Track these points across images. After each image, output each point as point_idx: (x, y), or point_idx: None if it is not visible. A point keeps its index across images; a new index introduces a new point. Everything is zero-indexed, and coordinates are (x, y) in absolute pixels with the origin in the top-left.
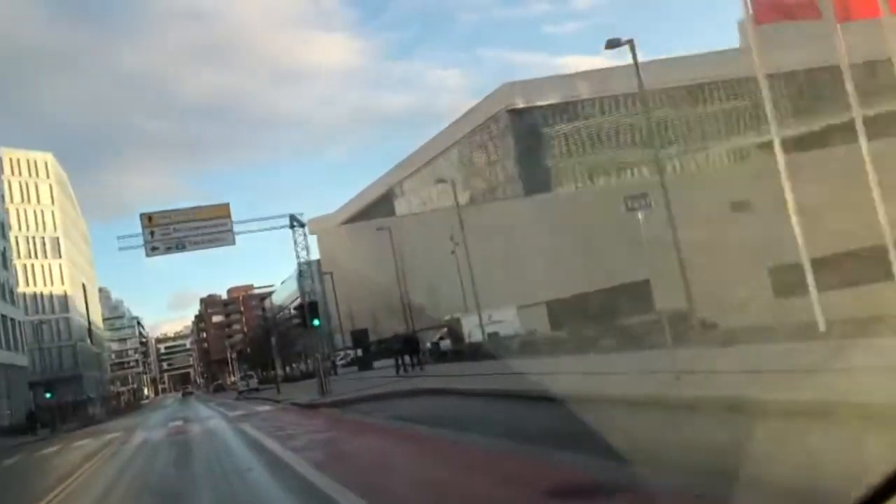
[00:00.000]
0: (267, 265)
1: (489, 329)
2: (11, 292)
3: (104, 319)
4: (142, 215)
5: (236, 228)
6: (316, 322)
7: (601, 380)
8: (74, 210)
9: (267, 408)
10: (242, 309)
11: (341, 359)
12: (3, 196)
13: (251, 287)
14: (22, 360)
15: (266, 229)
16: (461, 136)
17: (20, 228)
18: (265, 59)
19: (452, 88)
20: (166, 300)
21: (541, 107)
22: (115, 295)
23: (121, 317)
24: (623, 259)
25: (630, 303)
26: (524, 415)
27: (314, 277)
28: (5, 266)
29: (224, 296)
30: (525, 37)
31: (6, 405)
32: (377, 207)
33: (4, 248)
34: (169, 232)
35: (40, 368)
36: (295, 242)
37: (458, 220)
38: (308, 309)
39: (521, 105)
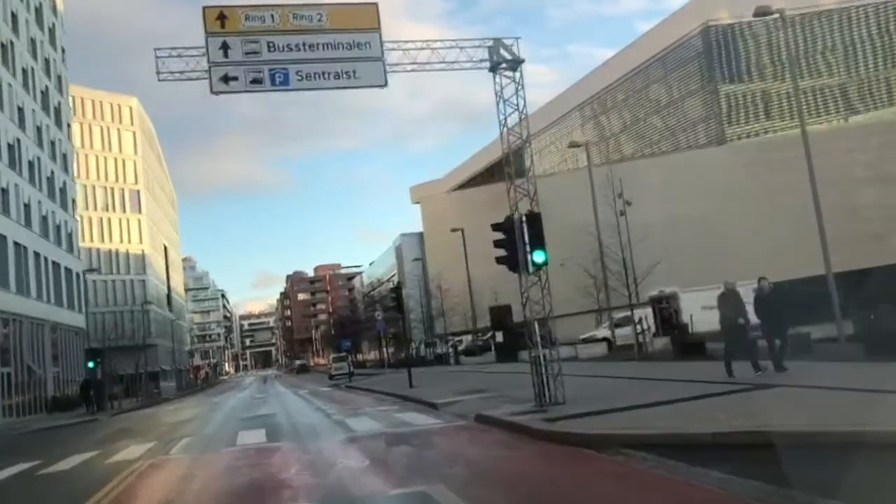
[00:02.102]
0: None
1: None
2: (70, 237)
3: (187, 290)
4: (206, 9)
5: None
6: None
7: None
8: (160, 166)
9: (420, 419)
10: (329, 288)
11: (452, 344)
12: (69, 125)
13: (338, 266)
14: (77, 319)
15: (448, 66)
16: (630, 71)
17: (98, 177)
18: None
19: (540, 84)
20: (249, 280)
21: (751, 24)
22: (200, 266)
23: (205, 288)
24: None
25: None
26: None
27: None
28: (64, 205)
29: (311, 273)
30: (616, 33)
31: (52, 373)
32: (495, 170)
33: (65, 183)
34: (258, 49)
35: (110, 333)
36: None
37: (613, 179)
38: None
39: (724, 20)
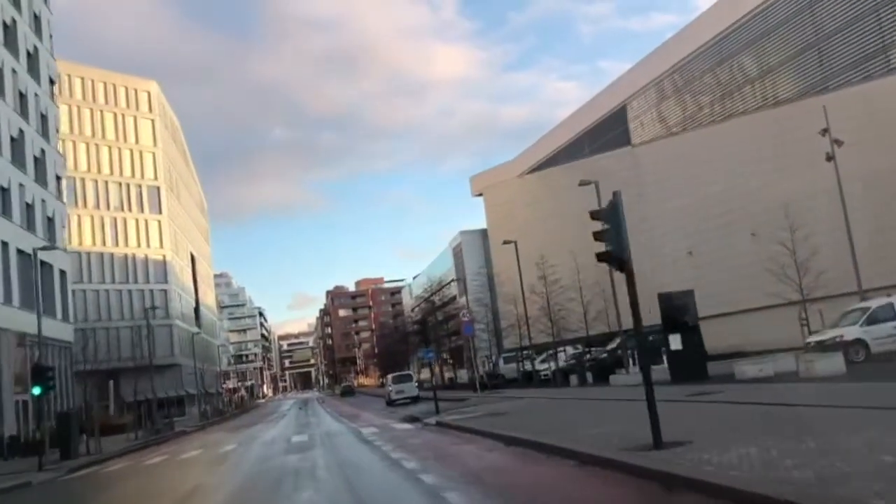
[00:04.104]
0: (391, 266)
1: None
2: (51, 223)
3: (222, 307)
4: None
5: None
6: None
7: None
8: (185, 164)
9: None
10: (371, 303)
11: (542, 362)
12: (52, 81)
13: (381, 280)
14: (60, 330)
15: None
16: None
17: (111, 171)
18: (388, 70)
19: (571, 101)
20: (285, 301)
21: None
22: (236, 282)
23: (241, 305)
24: None
25: None
26: None
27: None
28: (42, 181)
29: (352, 288)
30: (646, 48)
31: (13, 402)
32: (575, 147)
33: (43, 151)
34: None
35: (119, 351)
36: None
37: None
38: None
39: None
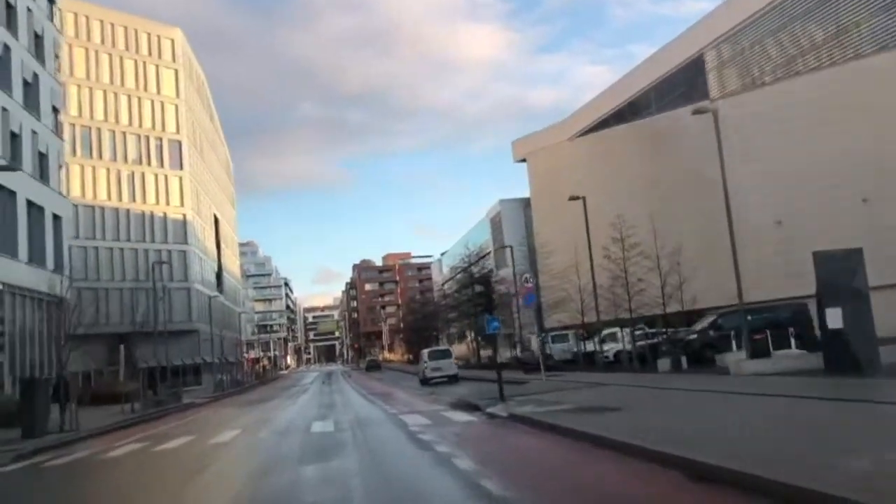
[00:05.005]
0: (416, 245)
1: None
2: (44, 158)
3: (248, 276)
4: None
5: None
6: None
7: None
8: (210, 120)
9: None
10: (398, 279)
11: (602, 342)
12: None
13: (408, 255)
14: (44, 281)
15: None
16: None
17: (129, 122)
18: (418, 49)
19: (601, 85)
20: (310, 276)
21: None
22: (263, 250)
23: (267, 275)
24: None
25: None
26: None
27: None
28: (32, 106)
29: (379, 263)
30: (677, 33)
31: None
32: (639, 105)
33: (35, 76)
34: None
35: (134, 314)
36: None
37: None
38: None
39: None
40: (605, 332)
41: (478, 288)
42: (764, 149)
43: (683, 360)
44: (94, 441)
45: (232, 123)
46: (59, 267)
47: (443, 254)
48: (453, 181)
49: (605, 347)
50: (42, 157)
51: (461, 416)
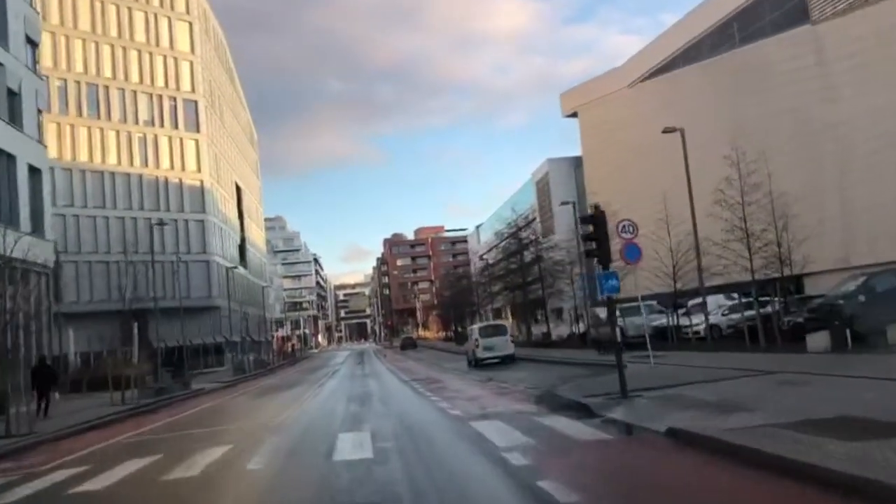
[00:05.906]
0: (446, 221)
1: None
2: (14, 95)
3: (276, 251)
4: None
5: None
6: None
7: None
8: (230, 82)
9: None
10: (431, 253)
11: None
12: None
13: (441, 228)
14: (26, 244)
15: None
16: None
17: (140, 80)
18: (445, 23)
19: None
20: (339, 253)
21: None
22: (291, 226)
23: (296, 250)
24: None
25: None
26: None
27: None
28: (3, 38)
29: (410, 237)
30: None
31: None
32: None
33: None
34: None
35: (150, 289)
36: None
37: None
38: None
39: None
40: (692, 302)
41: (527, 257)
42: (878, 78)
43: (848, 334)
44: (28, 456)
45: (259, 104)
46: (38, 230)
47: (478, 226)
48: (484, 156)
49: (695, 320)
50: (13, 96)
51: (571, 427)
